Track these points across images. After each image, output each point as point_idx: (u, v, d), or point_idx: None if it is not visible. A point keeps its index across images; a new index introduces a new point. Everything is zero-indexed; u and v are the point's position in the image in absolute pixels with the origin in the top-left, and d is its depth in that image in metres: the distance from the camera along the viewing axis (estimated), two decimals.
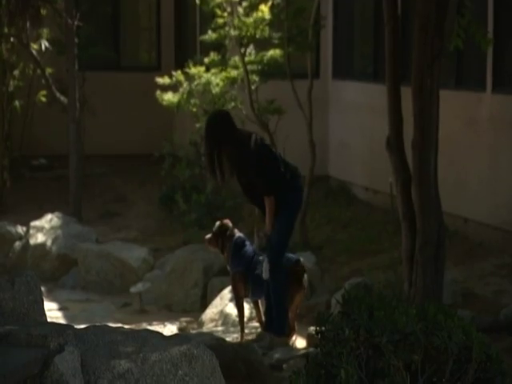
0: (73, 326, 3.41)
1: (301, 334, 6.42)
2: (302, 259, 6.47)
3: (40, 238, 9.61)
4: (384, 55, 5.92)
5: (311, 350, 5.21)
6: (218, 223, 6.54)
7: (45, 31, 12.00)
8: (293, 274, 6.23)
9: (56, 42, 12.20)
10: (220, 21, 9.38)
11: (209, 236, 6.56)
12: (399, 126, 5.76)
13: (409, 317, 3.28)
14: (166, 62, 14.51)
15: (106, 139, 14.10)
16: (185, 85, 9.93)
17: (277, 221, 6.12)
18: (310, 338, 6.22)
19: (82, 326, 3.51)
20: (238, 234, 6.46)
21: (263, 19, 9.09)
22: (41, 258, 9.53)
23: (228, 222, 6.55)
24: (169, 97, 9.96)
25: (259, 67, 9.55)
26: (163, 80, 10.01)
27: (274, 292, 6.15)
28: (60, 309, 8.32)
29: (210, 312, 7.54)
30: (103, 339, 3.29)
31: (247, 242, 6.47)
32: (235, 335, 6.63)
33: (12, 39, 12.00)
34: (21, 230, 9.91)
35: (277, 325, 6.24)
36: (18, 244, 9.73)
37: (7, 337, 3.10)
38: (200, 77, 9.66)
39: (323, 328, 3.44)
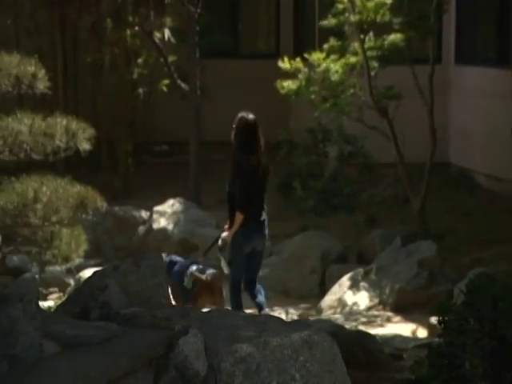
0: (196, 309, 3.47)
1: (422, 324, 6.34)
2: (214, 272, 6.59)
3: (162, 222, 9.83)
4: (509, 39, 5.73)
5: (433, 339, 5.13)
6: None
7: (167, 20, 12.22)
8: (203, 287, 6.45)
9: (177, 30, 12.41)
10: (340, 6, 9.31)
11: None
12: None
13: None
14: (285, 48, 14.50)
15: (225, 126, 14.21)
16: (304, 71, 9.89)
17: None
18: (431, 328, 6.12)
19: (204, 310, 3.57)
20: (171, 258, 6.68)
21: (384, 3, 8.96)
22: (162, 241, 9.75)
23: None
24: (288, 84, 9.95)
25: (379, 53, 9.42)
26: (284, 65, 9.97)
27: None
28: None
29: (329, 299, 7.53)
30: (225, 323, 3.33)
31: (178, 259, 6.70)
32: (354, 323, 6.61)
33: (136, 28, 12.29)
34: (144, 214, 10.16)
35: None
36: (141, 228, 9.98)
37: (133, 318, 3.18)
38: (319, 64, 9.62)
39: (446, 318, 3.38)
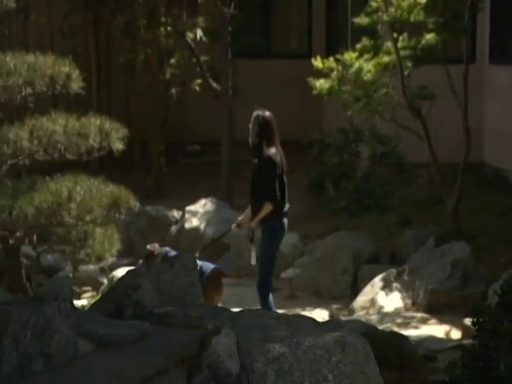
0: (228, 309, 3.47)
1: (455, 325, 6.28)
2: (217, 266, 6.63)
3: (194, 222, 9.86)
4: None
5: (466, 341, 5.08)
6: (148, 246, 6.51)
7: (200, 20, 12.26)
8: (209, 280, 6.36)
9: (209, 30, 12.45)
10: (374, 4, 9.26)
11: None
12: None
13: None
14: (317, 48, 14.46)
15: None
16: (337, 71, 9.86)
17: (261, 243, 6.53)
18: (464, 329, 6.07)
19: (236, 310, 3.57)
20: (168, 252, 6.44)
21: (418, 3, 8.90)
22: (195, 241, 9.78)
23: (154, 247, 6.46)
24: (321, 83, 9.93)
25: (412, 53, 9.37)
26: (317, 63, 9.93)
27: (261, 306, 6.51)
28: None
29: (361, 300, 7.50)
30: (257, 323, 3.33)
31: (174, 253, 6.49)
32: (388, 324, 6.57)
33: (169, 28, 12.35)
34: (176, 214, 10.19)
35: None
36: (173, 228, 10.01)
37: (166, 318, 3.19)
38: (352, 64, 9.58)
39: (480, 319, 3.35)
